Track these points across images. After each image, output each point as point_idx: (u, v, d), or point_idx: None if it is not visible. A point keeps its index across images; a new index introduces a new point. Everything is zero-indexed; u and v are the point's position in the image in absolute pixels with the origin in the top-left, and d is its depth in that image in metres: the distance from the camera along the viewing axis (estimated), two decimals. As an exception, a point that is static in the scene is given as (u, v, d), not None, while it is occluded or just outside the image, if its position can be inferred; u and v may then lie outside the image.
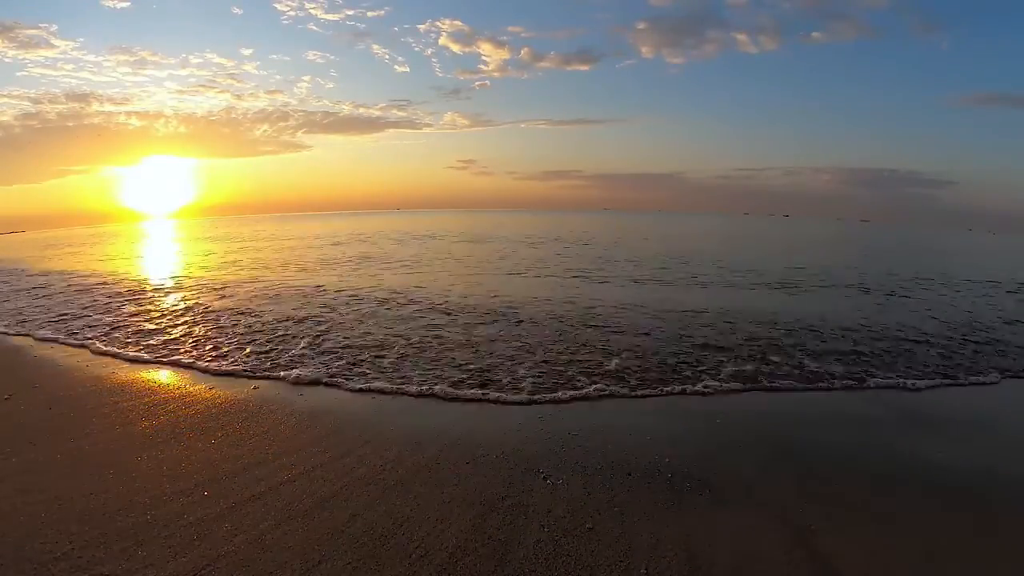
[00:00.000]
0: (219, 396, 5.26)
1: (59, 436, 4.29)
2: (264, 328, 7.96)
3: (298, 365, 6.13)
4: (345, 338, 7.34)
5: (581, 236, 31.36)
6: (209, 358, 6.48)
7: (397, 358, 6.41)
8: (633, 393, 5.33)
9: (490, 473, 3.69)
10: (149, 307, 9.89)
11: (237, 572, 2.65)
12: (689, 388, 5.45)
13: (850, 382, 5.76)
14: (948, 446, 4.27)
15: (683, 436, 4.35)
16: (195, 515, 3.14)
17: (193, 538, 2.92)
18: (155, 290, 11.99)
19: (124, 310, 9.60)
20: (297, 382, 5.64)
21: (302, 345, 6.96)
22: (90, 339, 7.44)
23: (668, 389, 5.42)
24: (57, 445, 4.13)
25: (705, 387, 5.49)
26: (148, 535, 2.94)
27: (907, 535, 3.05)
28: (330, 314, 8.96)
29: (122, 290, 12.00)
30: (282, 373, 5.86)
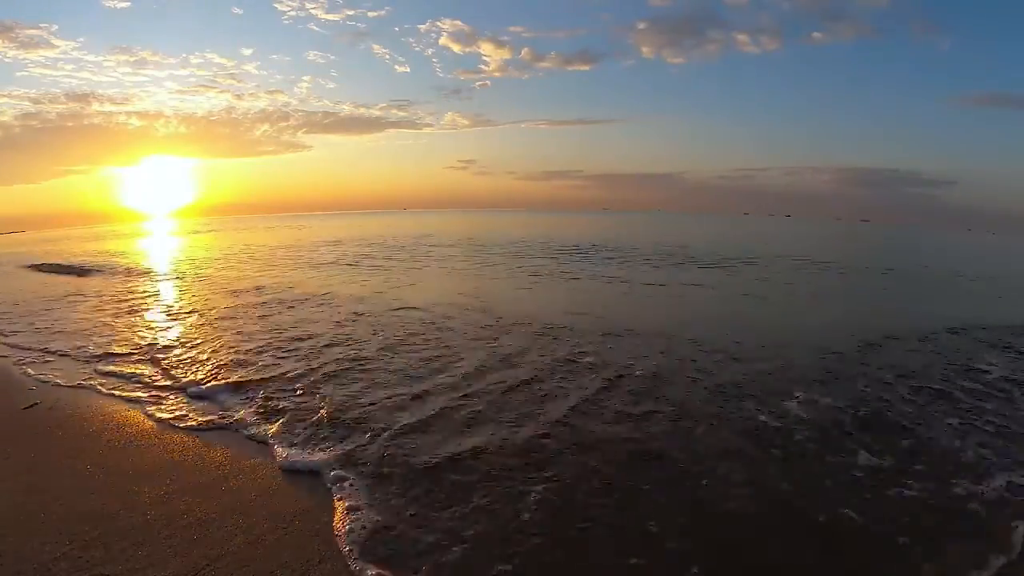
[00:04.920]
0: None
1: (60, 435, 4.29)
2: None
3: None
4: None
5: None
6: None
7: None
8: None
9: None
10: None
11: (237, 572, 2.64)
12: None
13: None
14: None
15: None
16: (195, 515, 3.14)
17: (193, 538, 2.91)
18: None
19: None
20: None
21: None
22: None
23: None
24: (58, 445, 4.13)
25: None
26: (148, 535, 2.93)
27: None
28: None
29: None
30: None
